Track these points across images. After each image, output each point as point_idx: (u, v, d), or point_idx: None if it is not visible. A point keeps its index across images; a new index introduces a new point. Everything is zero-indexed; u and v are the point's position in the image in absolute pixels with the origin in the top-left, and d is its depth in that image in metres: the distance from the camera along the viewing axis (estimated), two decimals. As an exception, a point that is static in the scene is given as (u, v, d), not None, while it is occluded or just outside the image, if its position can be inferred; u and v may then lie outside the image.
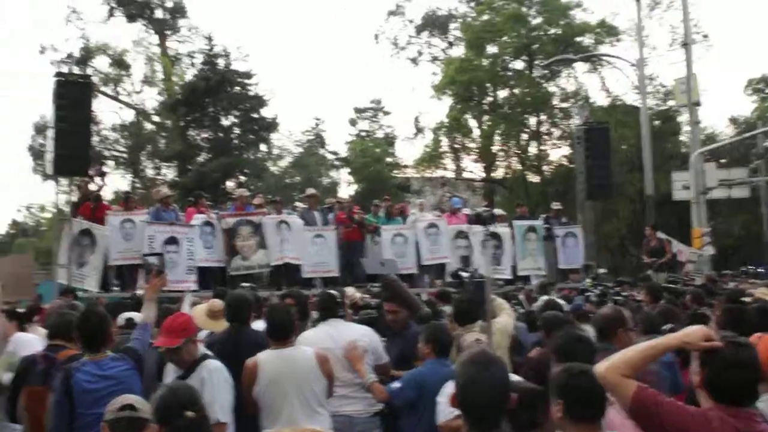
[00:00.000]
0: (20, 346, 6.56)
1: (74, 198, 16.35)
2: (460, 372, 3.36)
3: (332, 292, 7.19)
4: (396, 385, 5.94)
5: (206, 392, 4.88)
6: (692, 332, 3.36)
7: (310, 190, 18.05)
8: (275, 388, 5.62)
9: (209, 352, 5.49)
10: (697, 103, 25.02)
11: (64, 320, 5.99)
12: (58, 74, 15.37)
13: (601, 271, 19.49)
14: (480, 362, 3.34)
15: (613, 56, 31.57)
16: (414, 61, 48.07)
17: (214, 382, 5.15)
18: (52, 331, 6.00)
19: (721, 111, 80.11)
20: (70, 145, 14.74)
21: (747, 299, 9.19)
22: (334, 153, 45.20)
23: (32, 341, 6.68)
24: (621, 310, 6.70)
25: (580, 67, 37.28)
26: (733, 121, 41.37)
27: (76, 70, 37.95)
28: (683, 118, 33.53)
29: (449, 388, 4.42)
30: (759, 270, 18.05)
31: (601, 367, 3.42)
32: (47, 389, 5.34)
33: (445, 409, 4.92)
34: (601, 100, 38.06)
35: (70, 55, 41.01)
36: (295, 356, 5.76)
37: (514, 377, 5.36)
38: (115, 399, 4.00)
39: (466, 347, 5.66)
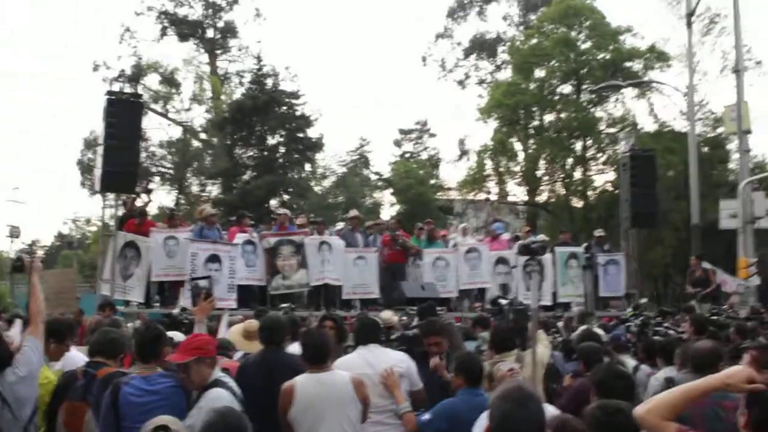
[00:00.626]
0: (67, 362, 6.61)
1: (120, 213, 16.57)
2: (495, 406, 3.32)
3: (373, 317, 7.22)
4: (426, 416, 5.92)
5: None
6: (735, 373, 3.30)
7: (353, 212, 18.11)
8: (311, 412, 5.63)
9: (226, 378, 5.37)
10: (748, 131, 24.65)
11: (107, 338, 6.06)
12: (110, 92, 15.57)
13: (643, 300, 19.20)
14: (517, 398, 3.30)
15: (662, 83, 31.29)
16: (461, 83, 48.29)
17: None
18: (94, 349, 6.01)
19: (772, 139, 78.88)
20: (118, 161, 14.93)
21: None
22: (378, 174, 45.32)
23: (76, 358, 6.72)
24: (718, 345, 6.60)
25: (629, 92, 36.99)
26: (784, 149, 40.69)
27: (127, 87, 38.56)
28: (732, 145, 33.03)
29: (484, 420, 4.36)
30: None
31: (642, 409, 3.39)
32: (86, 405, 5.43)
33: None
34: (648, 125, 37.71)
35: (122, 73, 41.75)
36: (331, 381, 5.77)
37: (549, 408, 5.33)
38: (151, 419, 4.05)
39: (500, 377, 5.60)
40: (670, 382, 7.30)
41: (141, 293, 15.06)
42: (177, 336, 6.97)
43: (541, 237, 18.54)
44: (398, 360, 6.61)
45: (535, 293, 6.52)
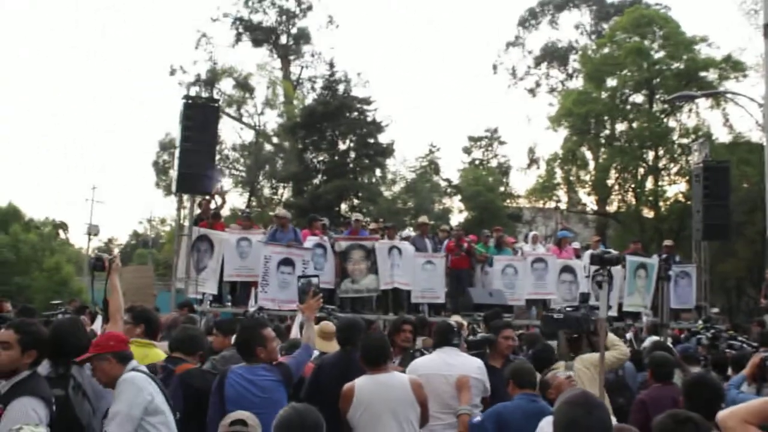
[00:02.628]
0: None
1: (195, 213, 16.99)
2: (562, 412, 3.27)
3: (450, 321, 7.30)
4: (477, 419, 5.98)
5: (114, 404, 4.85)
6: None
7: (422, 218, 18.18)
8: (370, 413, 5.74)
9: (141, 367, 5.19)
10: (824, 142, 24.13)
11: (187, 335, 6.29)
12: (186, 97, 15.93)
13: (714, 310, 18.98)
14: (583, 404, 3.25)
15: (737, 93, 30.72)
16: (531, 91, 48.13)
17: (122, 392, 4.90)
18: (174, 345, 6.20)
19: None
20: (194, 164, 15.16)
21: None
22: (447, 180, 45.39)
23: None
24: None
25: (703, 102, 36.45)
26: None
27: (203, 91, 39.45)
28: (809, 156, 32.33)
29: (547, 428, 4.38)
30: None
31: (724, 412, 3.34)
32: None
33: None
34: (723, 136, 37.12)
35: (198, 77, 42.64)
36: (390, 382, 5.87)
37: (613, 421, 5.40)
38: (230, 413, 4.25)
39: (557, 385, 5.67)
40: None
41: (214, 286, 15.33)
42: None
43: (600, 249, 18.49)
44: (476, 366, 6.72)
45: (604, 302, 6.58)
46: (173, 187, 16.86)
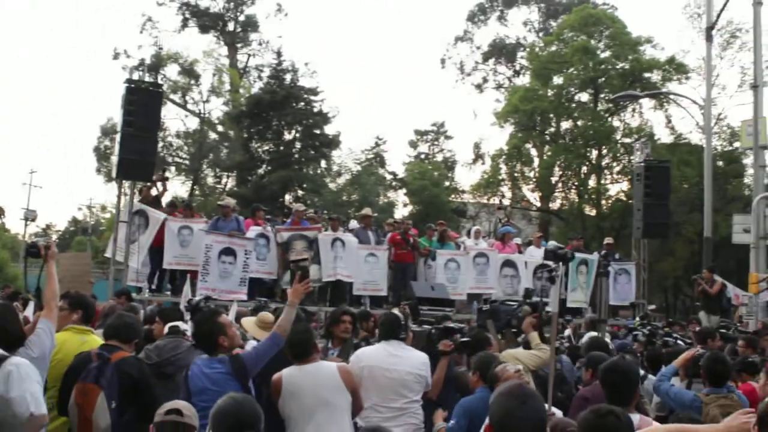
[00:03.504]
0: None
1: (136, 200, 16.74)
2: (497, 403, 3.31)
3: (396, 313, 7.30)
4: (452, 422, 6.02)
5: (15, 387, 4.70)
6: (734, 424, 3.38)
7: (366, 211, 18.18)
8: (299, 402, 5.77)
9: (8, 355, 5.05)
10: (764, 146, 24.51)
11: (123, 322, 6.14)
12: (129, 80, 15.70)
13: (651, 308, 19.27)
14: (518, 395, 3.29)
15: (679, 95, 31.24)
16: (479, 87, 48.37)
17: (22, 374, 4.79)
18: (109, 332, 6.07)
19: (788, 156, 78.39)
20: (136, 149, 15.05)
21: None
22: (393, 173, 45.40)
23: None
24: (726, 357, 6.79)
25: (646, 103, 37.03)
26: (801, 166, 40.56)
27: (146, 76, 38.82)
28: (749, 160, 32.97)
29: None
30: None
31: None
32: (98, 387, 5.52)
33: None
34: (665, 137, 37.74)
35: (142, 62, 41.98)
36: (317, 371, 5.89)
37: (555, 411, 5.43)
38: (165, 403, 4.17)
39: (506, 378, 5.65)
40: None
41: (138, 261, 15.21)
42: (182, 326, 7.09)
43: (552, 243, 18.64)
44: (420, 361, 6.77)
45: (555, 298, 6.62)
46: (113, 173, 16.56)
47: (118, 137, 15.79)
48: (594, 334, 11.00)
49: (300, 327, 6.04)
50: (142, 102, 15.33)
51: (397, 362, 6.61)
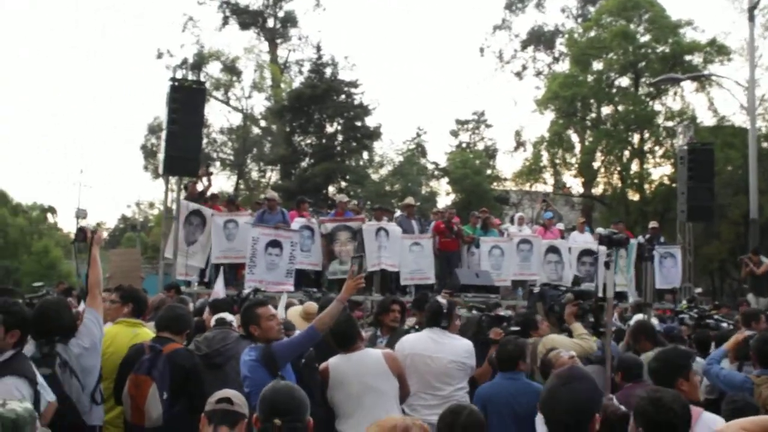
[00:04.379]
0: None
1: (182, 197, 17.04)
2: (545, 385, 3.45)
3: (441, 301, 7.20)
4: None
5: None
6: None
7: (409, 200, 18.28)
8: (346, 390, 5.86)
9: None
10: (809, 126, 24.37)
11: (174, 314, 6.34)
12: (173, 79, 16.00)
13: (697, 290, 19.18)
14: (563, 377, 3.39)
15: (722, 76, 30.91)
16: (518, 75, 48.23)
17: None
18: (161, 324, 6.24)
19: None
20: (181, 146, 15.33)
21: None
22: (435, 163, 45.45)
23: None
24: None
25: (688, 86, 36.57)
26: None
27: (190, 74, 39.39)
28: (794, 140, 32.61)
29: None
30: None
31: (726, 424, 3.55)
32: (150, 379, 5.70)
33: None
34: (708, 120, 37.28)
35: (185, 61, 42.52)
36: (363, 358, 5.99)
37: (611, 398, 5.47)
38: (216, 392, 4.35)
39: (560, 364, 5.71)
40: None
41: (203, 260, 15.50)
42: (228, 317, 7.13)
43: (606, 230, 18.61)
44: (464, 349, 6.77)
45: (611, 283, 6.70)
46: (160, 170, 16.90)
47: (163, 135, 16.09)
48: (640, 317, 11.07)
49: (342, 317, 6.03)
50: (186, 100, 15.55)
51: (440, 350, 6.61)
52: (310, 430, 3.76)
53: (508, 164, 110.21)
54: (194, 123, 15.94)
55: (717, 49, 35.14)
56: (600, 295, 7.10)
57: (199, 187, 16.90)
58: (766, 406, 5.95)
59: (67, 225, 71.96)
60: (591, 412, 3.28)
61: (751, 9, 23.11)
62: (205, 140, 40.83)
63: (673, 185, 26.93)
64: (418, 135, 45.58)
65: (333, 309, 5.88)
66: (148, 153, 44.97)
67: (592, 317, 7.50)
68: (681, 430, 3.57)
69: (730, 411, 5.42)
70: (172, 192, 17.11)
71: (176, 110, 15.42)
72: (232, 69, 44.18)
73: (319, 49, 40.16)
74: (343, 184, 37.31)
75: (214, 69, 44.50)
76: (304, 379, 5.85)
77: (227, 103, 44.85)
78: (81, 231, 6.16)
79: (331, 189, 36.35)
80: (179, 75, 34.16)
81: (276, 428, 3.71)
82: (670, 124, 35.75)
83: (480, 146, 47.84)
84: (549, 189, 40.57)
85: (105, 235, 6.31)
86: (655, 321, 11.66)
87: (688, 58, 35.43)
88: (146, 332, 6.52)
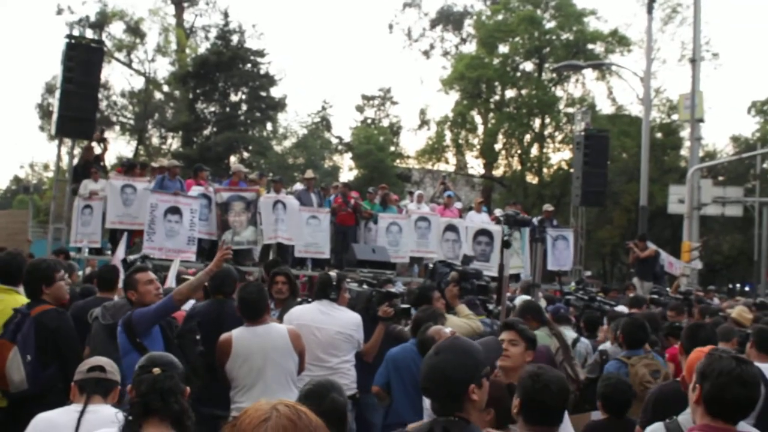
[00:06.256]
0: None
1: (76, 161, 16.58)
2: (425, 357, 3.39)
3: (331, 273, 7.20)
4: (379, 370, 6.25)
5: None
6: None
7: (309, 173, 18.18)
8: (248, 363, 5.78)
9: None
10: (701, 120, 25.23)
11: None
12: (69, 36, 15.57)
13: (587, 273, 19.73)
14: (438, 347, 3.35)
15: (621, 66, 31.77)
16: (426, 53, 48.44)
17: None
18: (29, 288, 6.02)
19: (723, 130, 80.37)
20: (75, 107, 14.90)
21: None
22: (339, 138, 45.41)
23: None
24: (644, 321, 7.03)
25: (589, 74, 37.51)
26: (735, 140, 41.69)
27: (90, 33, 38.13)
28: (685, 133, 33.81)
29: None
30: (746, 289, 18.30)
31: None
32: (9, 342, 5.55)
33: None
34: (606, 108, 38.33)
35: (86, 18, 41.15)
36: (268, 332, 5.88)
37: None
38: (87, 360, 4.25)
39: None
40: (603, 354, 7.76)
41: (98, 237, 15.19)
42: None
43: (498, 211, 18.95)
44: (352, 322, 6.81)
45: (507, 261, 6.80)
46: (53, 129, 16.37)
47: (57, 94, 15.62)
48: (527, 297, 11.31)
49: (253, 287, 6.02)
50: (83, 58, 15.12)
51: (327, 321, 6.64)
52: (185, 396, 3.70)
53: (411, 142, 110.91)
54: (90, 83, 15.50)
55: (618, 40, 36.16)
56: (494, 274, 7.21)
57: (97, 150, 16.46)
58: (643, 383, 6.18)
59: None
60: (462, 382, 3.20)
61: (650, 2, 23.77)
62: (105, 103, 39.87)
63: (571, 170, 27.56)
64: (324, 108, 45.49)
65: (195, 281, 5.93)
66: (45, 113, 43.45)
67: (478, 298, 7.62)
68: (554, 410, 3.63)
69: (603, 387, 5.68)
70: (67, 154, 16.59)
71: (72, 69, 14.98)
72: (135, 30, 42.88)
73: (226, 15, 39.51)
74: (246, 154, 36.93)
75: (117, 29, 43.19)
76: (184, 351, 5.82)
77: (129, 65, 43.63)
78: None
79: (233, 159, 35.90)
80: (77, 32, 32.96)
81: (154, 378, 3.57)
82: (571, 110, 36.63)
83: (385, 123, 47.97)
84: (451, 168, 41.03)
85: None
86: (543, 302, 11.90)
87: (590, 46, 36.37)
88: (16, 299, 6.23)
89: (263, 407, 1.98)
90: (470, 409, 3.22)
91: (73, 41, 15.41)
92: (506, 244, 6.73)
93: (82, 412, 3.96)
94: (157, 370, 3.56)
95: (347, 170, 44.08)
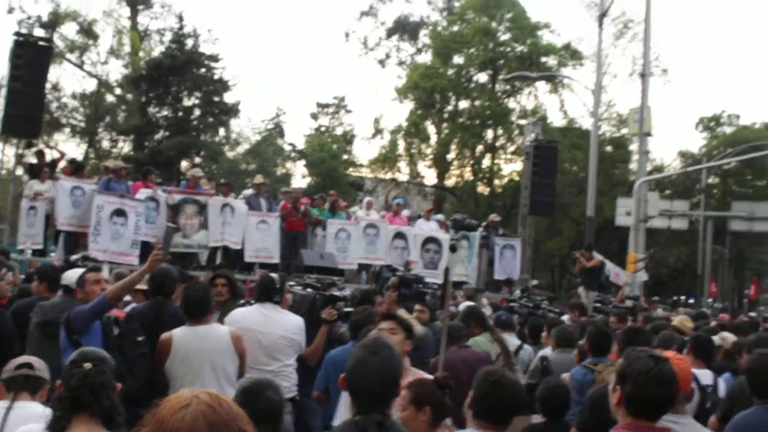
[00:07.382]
0: None
1: (32, 161, 16.37)
2: (353, 354, 3.44)
3: (273, 275, 7.11)
4: (320, 373, 6.23)
5: None
6: None
7: (259, 178, 18.14)
8: (187, 363, 5.75)
9: None
10: (649, 134, 25.62)
11: None
12: (18, 34, 15.47)
13: (533, 282, 19.90)
14: (371, 346, 3.39)
15: (573, 79, 32.21)
16: (381, 62, 48.58)
17: None
18: None
19: (671, 145, 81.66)
20: (22, 105, 14.85)
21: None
22: (292, 145, 45.32)
23: None
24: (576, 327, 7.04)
25: (542, 86, 37.94)
26: (682, 155, 42.48)
27: (41, 32, 37.56)
28: (634, 146, 34.34)
29: None
30: (690, 301, 18.62)
31: None
32: None
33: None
34: (558, 121, 38.78)
35: (38, 18, 40.60)
36: (209, 333, 5.88)
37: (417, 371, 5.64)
38: (15, 359, 4.21)
39: None
40: (544, 360, 7.86)
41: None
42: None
43: (440, 217, 19.06)
44: (294, 325, 6.76)
45: (453, 265, 6.84)
46: (-1, 129, 16.19)
47: (3, 92, 15.53)
48: (470, 303, 11.42)
49: (200, 286, 6.05)
50: (31, 57, 15.13)
51: (270, 325, 6.57)
52: (116, 392, 3.66)
53: (365, 151, 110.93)
54: (38, 82, 15.47)
55: (571, 54, 36.66)
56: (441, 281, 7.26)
57: (49, 157, 16.29)
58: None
59: None
60: (397, 381, 3.34)
61: (601, 17, 24.13)
62: (55, 104, 39.30)
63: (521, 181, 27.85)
64: (278, 115, 45.38)
65: (128, 280, 5.90)
66: (-8, 112, 42.75)
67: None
68: (506, 411, 3.72)
69: (542, 391, 5.82)
70: (19, 154, 16.37)
71: (19, 67, 14.98)
72: (88, 32, 42.39)
73: (181, 19, 39.15)
74: (197, 159, 36.61)
75: (69, 30, 42.66)
76: (124, 350, 5.78)
77: (81, 67, 43.14)
78: None
79: (184, 164, 35.59)
80: (26, 30, 32.50)
81: (85, 373, 3.54)
82: (523, 122, 36.97)
83: (339, 131, 48.03)
84: (404, 178, 41.18)
85: None
86: (489, 309, 12.03)
87: (543, 59, 36.79)
88: None
89: (184, 395, 2.00)
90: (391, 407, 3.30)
91: (21, 39, 15.35)
92: (452, 248, 6.73)
93: (8, 409, 3.93)
94: (88, 365, 3.53)
95: (300, 178, 44.04)
